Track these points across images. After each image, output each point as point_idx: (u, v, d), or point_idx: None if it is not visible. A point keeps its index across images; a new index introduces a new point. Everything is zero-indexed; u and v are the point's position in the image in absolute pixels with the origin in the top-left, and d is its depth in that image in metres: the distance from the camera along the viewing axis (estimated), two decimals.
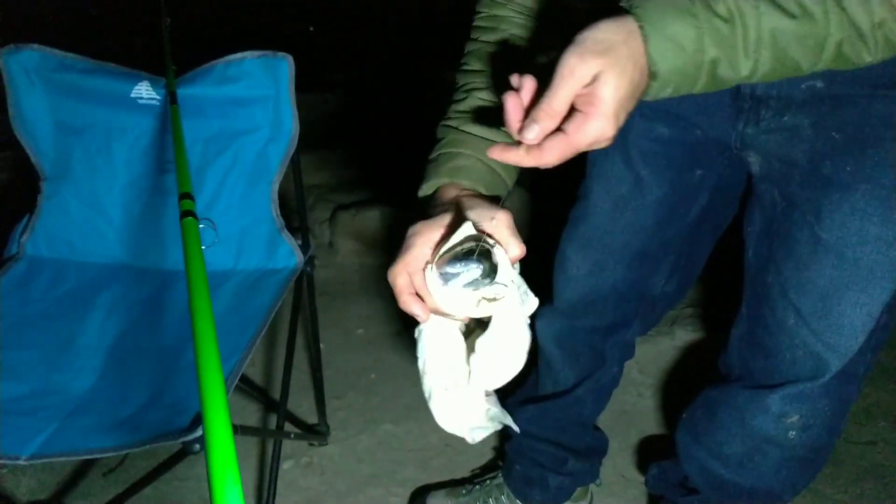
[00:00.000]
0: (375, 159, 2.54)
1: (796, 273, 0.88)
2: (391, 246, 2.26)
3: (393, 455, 1.53)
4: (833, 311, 0.86)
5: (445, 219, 0.65)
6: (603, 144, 0.60)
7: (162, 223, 1.33)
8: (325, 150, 2.53)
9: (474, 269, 0.59)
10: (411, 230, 0.65)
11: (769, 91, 0.84)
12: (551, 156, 0.59)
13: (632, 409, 1.66)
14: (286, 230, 1.33)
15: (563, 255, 1.10)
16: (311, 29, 3.10)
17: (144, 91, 1.27)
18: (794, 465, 1.02)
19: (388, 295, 2.28)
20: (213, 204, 1.32)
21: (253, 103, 1.27)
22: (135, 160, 1.31)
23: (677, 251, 1.08)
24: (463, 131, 0.77)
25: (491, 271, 0.60)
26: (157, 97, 1.28)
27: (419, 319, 0.63)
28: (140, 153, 1.30)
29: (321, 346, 1.71)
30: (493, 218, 0.62)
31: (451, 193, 0.72)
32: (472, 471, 1.50)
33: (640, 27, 0.57)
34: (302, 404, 1.65)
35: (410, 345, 1.89)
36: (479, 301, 0.60)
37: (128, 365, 1.13)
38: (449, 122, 0.79)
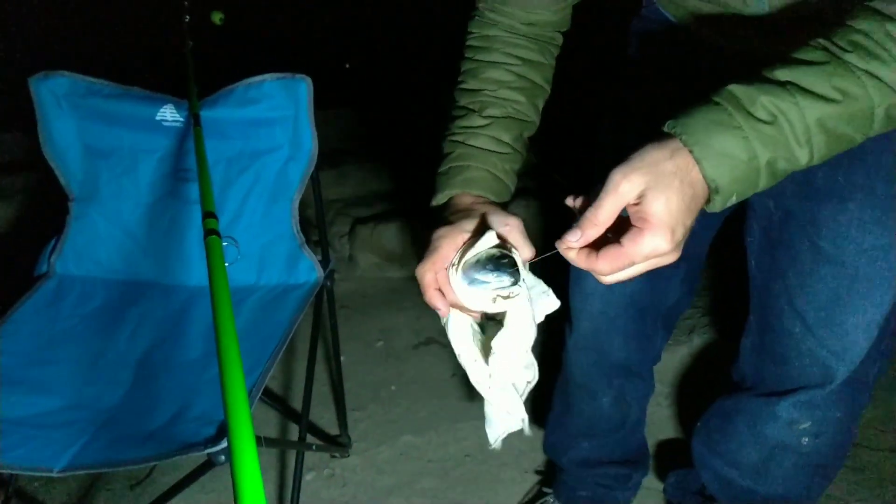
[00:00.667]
0: (395, 174, 2.58)
1: (799, 282, 0.89)
2: (410, 259, 2.28)
3: (413, 466, 1.55)
4: (836, 320, 0.88)
5: (467, 224, 0.71)
6: (663, 260, 0.62)
7: (186, 241, 1.37)
8: (346, 165, 2.57)
9: (505, 279, 0.66)
10: (437, 234, 0.71)
11: None
12: (604, 265, 0.62)
13: (650, 419, 1.65)
14: (306, 246, 1.36)
15: (578, 271, 1.11)
16: (348, 66, 3.15)
17: (169, 114, 1.32)
18: (809, 472, 1.02)
19: (407, 307, 2.29)
20: (236, 222, 1.36)
21: (273, 124, 1.31)
22: (159, 180, 1.35)
23: (687, 255, 1.08)
24: (470, 145, 0.82)
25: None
26: (181, 119, 1.32)
27: (440, 313, 0.71)
28: (165, 173, 1.35)
29: (342, 358, 1.74)
30: (507, 224, 0.69)
31: (465, 201, 0.78)
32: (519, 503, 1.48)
33: (690, 151, 0.59)
34: (323, 416, 1.68)
35: (430, 356, 1.91)
36: (496, 298, 0.66)
37: (155, 379, 1.16)
38: (455, 137, 0.83)
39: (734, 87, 0.60)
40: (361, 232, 2.27)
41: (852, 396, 0.95)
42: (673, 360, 1.77)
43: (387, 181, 2.56)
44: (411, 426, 1.66)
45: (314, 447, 1.36)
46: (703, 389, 1.68)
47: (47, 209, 1.50)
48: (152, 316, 1.30)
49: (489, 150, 0.82)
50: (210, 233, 0.87)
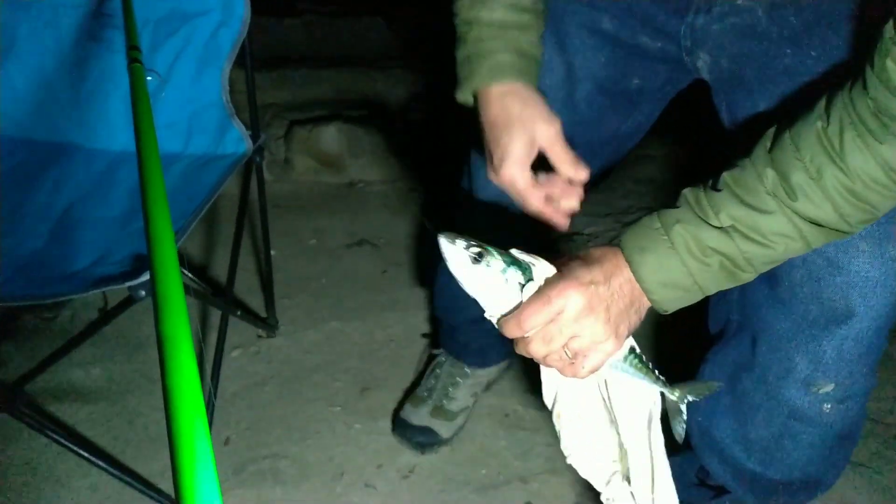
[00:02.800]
0: (334, 80, 2.54)
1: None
2: (347, 165, 2.29)
3: (338, 347, 1.59)
4: None
5: (521, 110, 0.73)
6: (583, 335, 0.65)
7: (111, 102, 1.33)
8: (285, 69, 2.52)
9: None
10: (494, 134, 0.74)
11: None
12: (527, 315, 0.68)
13: None
14: (236, 117, 1.35)
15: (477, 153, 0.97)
16: None
17: None
18: (830, 445, 0.88)
19: (342, 211, 2.28)
20: (163, 86, 1.33)
21: None
22: (84, 37, 1.30)
23: (603, 159, 0.99)
24: (485, 24, 0.75)
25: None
26: None
27: (557, 223, 0.75)
28: (89, 29, 1.30)
29: (273, 252, 1.75)
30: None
31: (496, 90, 0.75)
32: (416, 373, 1.53)
33: (639, 282, 0.66)
34: (252, 301, 1.69)
35: (363, 255, 1.94)
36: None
37: (74, 232, 1.15)
38: (467, 14, 0.77)
39: (681, 229, 0.64)
40: (298, 133, 2.25)
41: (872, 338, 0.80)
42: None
43: (326, 87, 2.52)
44: (339, 314, 1.69)
45: (239, 313, 1.38)
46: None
47: None
48: (74, 176, 1.28)
49: (508, 25, 0.75)
50: (133, 61, 0.86)
